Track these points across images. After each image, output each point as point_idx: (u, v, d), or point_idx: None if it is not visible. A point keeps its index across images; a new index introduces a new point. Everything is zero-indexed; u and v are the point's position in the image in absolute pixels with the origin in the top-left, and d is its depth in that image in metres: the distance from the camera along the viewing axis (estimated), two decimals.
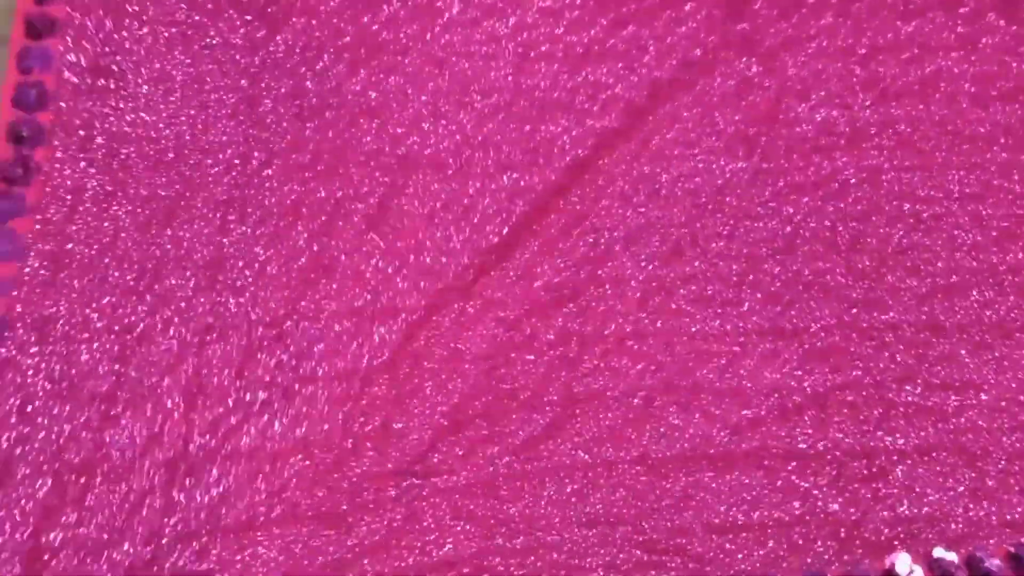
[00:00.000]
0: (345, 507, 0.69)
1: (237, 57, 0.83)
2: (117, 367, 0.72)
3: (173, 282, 0.74)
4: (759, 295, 0.77)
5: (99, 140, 0.78)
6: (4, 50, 0.77)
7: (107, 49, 0.80)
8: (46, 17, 0.76)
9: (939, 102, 0.84)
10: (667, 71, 0.85)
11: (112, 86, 0.79)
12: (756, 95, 0.84)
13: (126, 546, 0.67)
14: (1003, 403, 0.74)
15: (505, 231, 0.79)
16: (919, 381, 0.74)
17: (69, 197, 0.75)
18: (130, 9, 0.82)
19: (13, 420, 0.70)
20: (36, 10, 0.75)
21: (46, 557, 0.66)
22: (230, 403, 0.72)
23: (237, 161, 0.79)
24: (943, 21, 0.86)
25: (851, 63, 0.85)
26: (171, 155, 0.78)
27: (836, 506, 0.70)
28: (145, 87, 0.80)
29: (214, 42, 0.82)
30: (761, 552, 0.69)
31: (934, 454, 0.72)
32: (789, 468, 0.71)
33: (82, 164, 0.77)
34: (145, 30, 0.81)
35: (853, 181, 0.81)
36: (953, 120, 0.83)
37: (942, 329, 0.76)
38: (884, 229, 0.79)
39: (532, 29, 0.86)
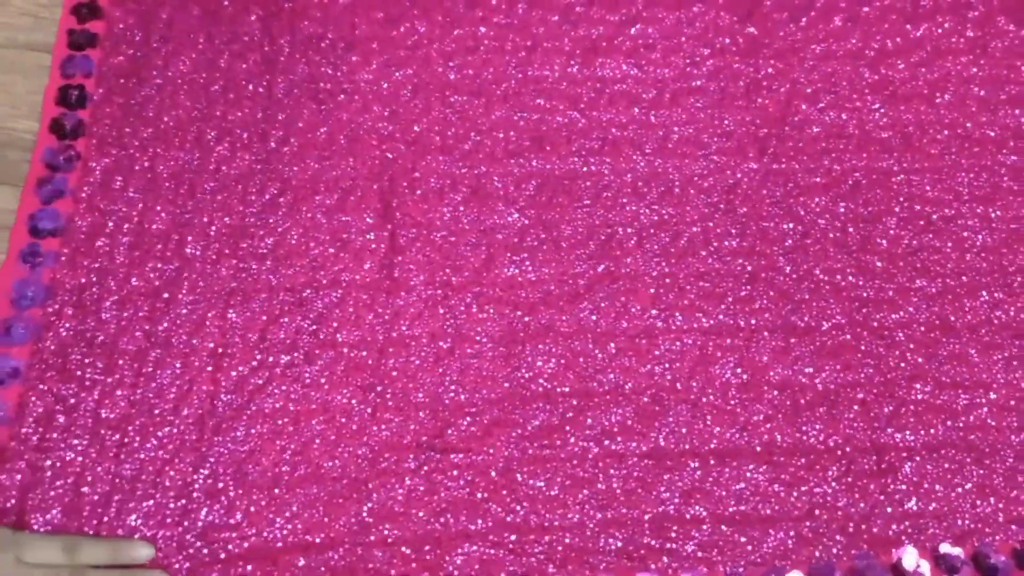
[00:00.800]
0: (366, 473, 0.72)
1: (255, 47, 0.86)
2: (147, 327, 0.75)
3: (197, 249, 0.78)
4: (770, 293, 0.79)
5: (129, 130, 0.82)
6: (47, 56, 0.86)
7: (139, 53, 0.85)
8: (87, 32, 0.86)
9: (948, 105, 0.86)
10: (674, 69, 0.87)
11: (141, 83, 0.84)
12: (766, 97, 0.86)
13: (158, 498, 0.70)
14: (1012, 402, 0.76)
15: (514, 215, 0.81)
16: (929, 380, 0.76)
17: (104, 180, 0.80)
18: (162, 16, 0.87)
19: (54, 377, 0.73)
20: (78, 27, 0.86)
21: (85, 510, 0.69)
22: (254, 364, 0.75)
23: (256, 139, 0.82)
24: (952, 25, 0.89)
25: (860, 66, 0.88)
26: (195, 135, 0.82)
27: (845, 501, 0.72)
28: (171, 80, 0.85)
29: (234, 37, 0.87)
30: (770, 544, 0.71)
31: (943, 451, 0.74)
32: (798, 463, 0.73)
33: (116, 150, 0.81)
34: (173, 31, 0.86)
35: (864, 182, 0.83)
36: (962, 123, 0.86)
37: (952, 329, 0.78)
38: (894, 230, 0.81)
39: (539, 24, 0.88)
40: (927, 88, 0.87)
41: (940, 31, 0.89)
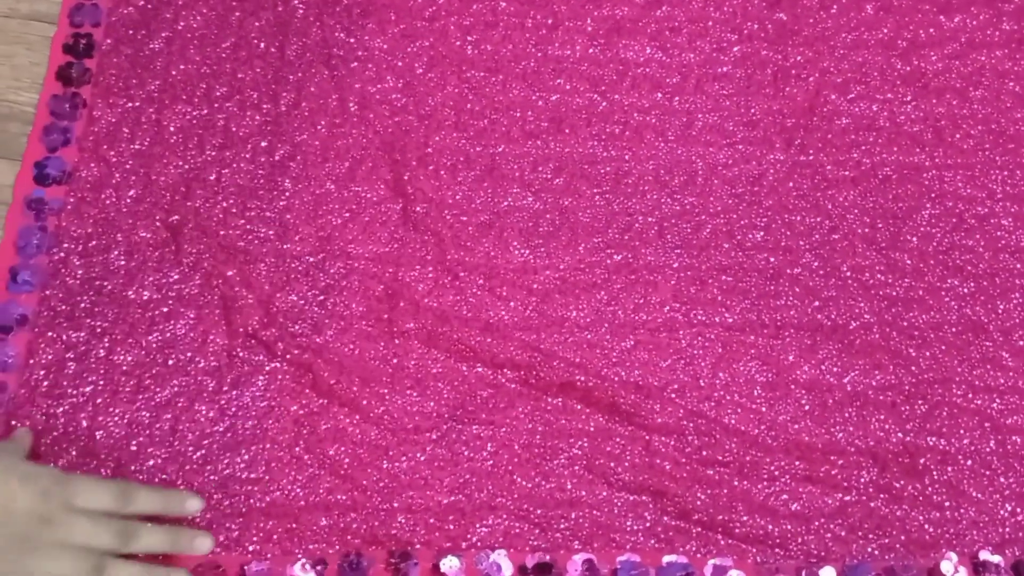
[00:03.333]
0: (387, 440, 0.72)
1: (268, 6, 0.85)
2: (157, 277, 0.75)
3: (206, 204, 0.78)
4: (796, 289, 0.78)
5: (136, 82, 0.82)
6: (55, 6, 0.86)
7: (149, 5, 0.84)
8: None
9: (982, 100, 0.85)
10: (699, 54, 0.86)
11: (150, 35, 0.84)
12: (794, 86, 0.85)
13: (176, 445, 0.70)
14: None
15: (529, 198, 0.80)
16: (962, 383, 0.75)
17: (110, 131, 0.80)
18: None
19: (63, 324, 0.73)
20: None
21: (101, 452, 0.70)
22: (264, 319, 0.74)
23: (266, 100, 0.82)
24: (988, 17, 0.88)
25: (892, 56, 0.87)
26: (204, 90, 0.82)
27: (879, 502, 0.71)
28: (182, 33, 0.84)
29: None
30: (804, 538, 0.70)
31: (979, 456, 0.73)
32: (830, 461, 0.72)
33: (122, 100, 0.81)
34: None
35: (894, 177, 0.82)
36: (996, 119, 0.84)
37: (984, 331, 0.77)
38: (925, 227, 0.80)
39: (562, 2, 0.87)
40: (960, 82, 0.86)
41: (975, 23, 0.88)
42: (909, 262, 0.79)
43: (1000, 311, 0.78)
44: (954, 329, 0.77)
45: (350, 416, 0.72)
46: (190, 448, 0.70)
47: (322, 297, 0.75)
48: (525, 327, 0.75)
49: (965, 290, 0.78)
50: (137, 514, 0.64)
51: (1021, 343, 0.77)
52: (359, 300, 0.75)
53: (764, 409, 0.73)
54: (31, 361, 0.72)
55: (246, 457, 0.70)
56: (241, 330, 0.74)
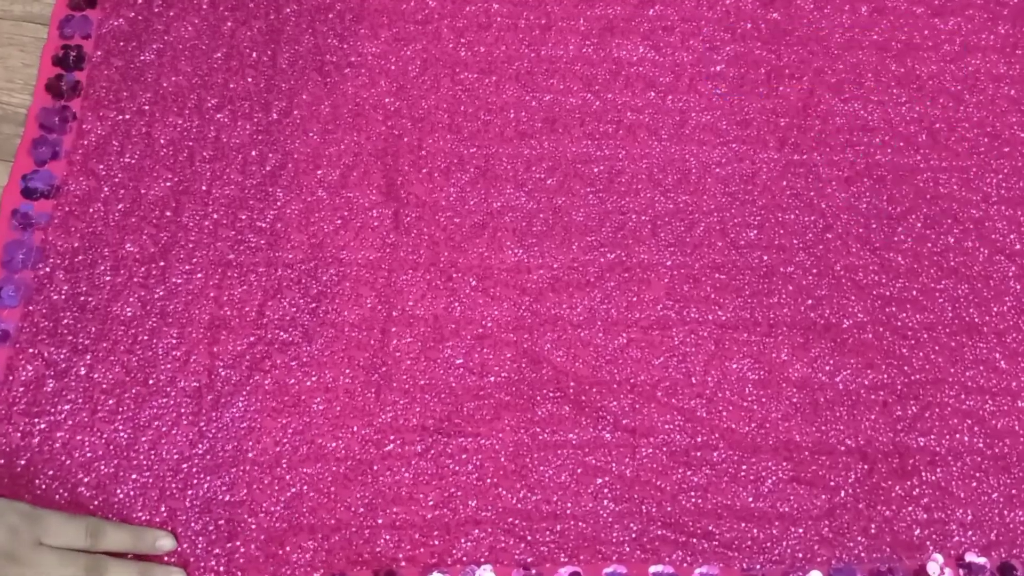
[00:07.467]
0: (371, 455, 0.72)
1: (260, 15, 0.86)
2: (142, 294, 0.75)
3: (195, 218, 0.78)
4: (789, 287, 0.78)
5: (127, 94, 0.83)
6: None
7: (140, 16, 0.85)
8: None
9: (977, 104, 0.86)
10: (692, 53, 0.86)
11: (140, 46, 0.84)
12: (787, 85, 0.86)
13: (155, 468, 0.71)
14: None
15: (523, 198, 0.81)
16: (954, 384, 0.76)
17: (99, 144, 0.81)
18: None
19: (45, 340, 0.74)
20: None
21: (77, 473, 0.70)
22: (251, 339, 0.75)
23: (258, 109, 0.83)
24: (983, 21, 0.89)
25: (886, 58, 0.88)
26: (195, 102, 0.82)
27: (866, 503, 0.72)
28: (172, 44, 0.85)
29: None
30: (789, 543, 0.71)
31: (968, 458, 0.74)
32: (819, 462, 0.73)
33: (112, 114, 0.82)
34: None
35: (889, 178, 0.82)
36: (992, 122, 0.85)
37: (978, 332, 0.78)
38: (920, 229, 0.81)
39: (554, 2, 0.88)
40: (955, 85, 0.87)
41: (970, 26, 0.89)
42: (903, 262, 0.80)
43: (994, 313, 0.78)
44: (947, 330, 0.78)
45: (332, 433, 0.73)
46: (169, 471, 0.71)
47: (314, 305, 0.76)
48: (518, 327, 0.76)
49: (959, 292, 0.79)
50: (107, 551, 0.65)
51: (1014, 345, 0.77)
52: (351, 308, 0.76)
53: (755, 407, 0.75)
54: (10, 378, 0.73)
55: (227, 480, 0.71)
56: (229, 348, 0.74)
